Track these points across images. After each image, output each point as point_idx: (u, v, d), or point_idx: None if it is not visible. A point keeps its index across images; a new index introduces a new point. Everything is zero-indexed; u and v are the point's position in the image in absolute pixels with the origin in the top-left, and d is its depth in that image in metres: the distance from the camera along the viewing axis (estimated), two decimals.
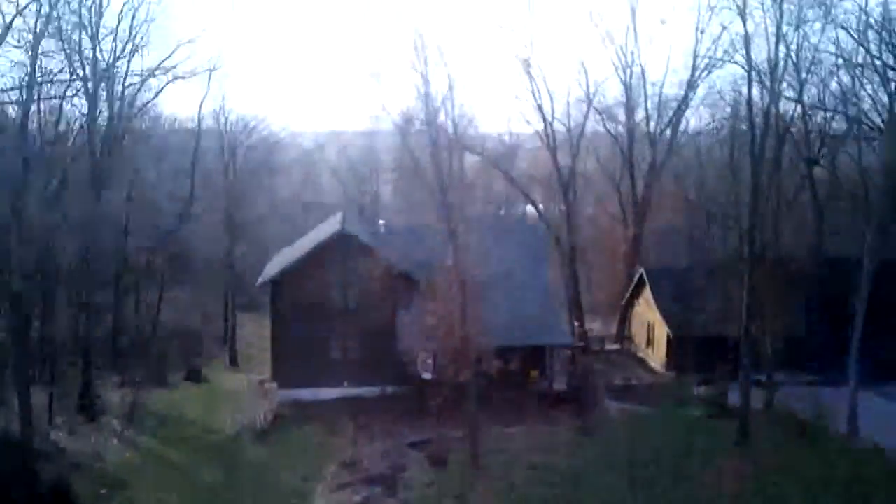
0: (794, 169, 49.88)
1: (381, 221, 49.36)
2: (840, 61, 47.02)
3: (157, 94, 51.33)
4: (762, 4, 45.07)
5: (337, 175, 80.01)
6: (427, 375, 40.11)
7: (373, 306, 40.69)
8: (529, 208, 62.44)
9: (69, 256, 42.68)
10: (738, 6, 44.69)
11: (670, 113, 54.79)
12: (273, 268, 45.06)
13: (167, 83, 50.20)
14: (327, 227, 45.83)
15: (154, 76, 49.06)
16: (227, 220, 57.23)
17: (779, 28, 45.81)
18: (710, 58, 50.97)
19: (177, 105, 66.62)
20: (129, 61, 48.49)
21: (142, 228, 54.14)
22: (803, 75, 46.66)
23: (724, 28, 50.37)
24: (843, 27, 45.05)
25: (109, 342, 49.45)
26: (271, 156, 72.41)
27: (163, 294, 55.90)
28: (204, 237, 61.99)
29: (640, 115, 56.43)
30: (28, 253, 34.44)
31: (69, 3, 42.53)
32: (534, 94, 55.06)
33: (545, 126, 55.99)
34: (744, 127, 50.38)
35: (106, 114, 47.41)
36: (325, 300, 41.36)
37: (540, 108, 55.33)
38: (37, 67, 36.83)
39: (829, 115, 49.86)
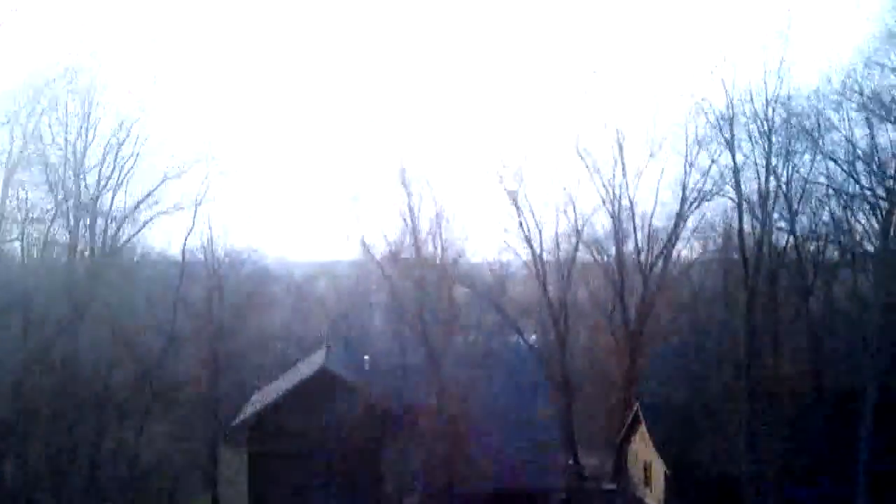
0: (789, 301, 48.91)
1: (365, 357, 47.93)
2: (831, 192, 46.86)
3: (140, 229, 50.42)
4: (750, 137, 45.78)
5: (325, 307, 78.91)
6: None
7: (356, 447, 38.88)
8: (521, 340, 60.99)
9: (46, 394, 41.24)
10: (726, 139, 45.50)
11: (661, 244, 54.11)
12: (250, 408, 43.45)
13: (151, 217, 49.53)
14: (309, 364, 44.49)
15: (138, 210, 48.48)
16: (211, 354, 55.74)
17: (768, 160, 46.19)
18: (699, 190, 50.90)
19: (165, 237, 64.83)
20: (113, 195, 48.37)
21: (123, 363, 52.60)
22: (794, 206, 46.21)
23: (714, 161, 50.99)
24: (831, 158, 45.23)
25: (86, 482, 47.15)
26: (261, 288, 71.51)
27: (144, 429, 53.71)
28: (188, 371, 60.33)
29: (630, 246, 55.87)
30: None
31: (53, 137, 42.50)
32: (522, 226, 55.03)
33: (534, 258, 55.46)
34: (735, 257, 50.27)
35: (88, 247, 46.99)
36: (305, 441, 39.54)
37: (528, 240, 55.20)
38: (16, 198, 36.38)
39: (821, 244, 49.15)
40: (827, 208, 48.05)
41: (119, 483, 48.70)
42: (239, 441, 45.41)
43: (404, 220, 52.96)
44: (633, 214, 54.42)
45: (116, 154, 46.60)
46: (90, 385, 45.57)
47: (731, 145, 44.25)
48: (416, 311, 52.37)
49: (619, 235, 54.19)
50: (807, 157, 47.40)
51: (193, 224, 54.79)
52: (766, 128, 46.68)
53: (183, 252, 56.51)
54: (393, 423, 39.22)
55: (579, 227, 55.24)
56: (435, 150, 56.42)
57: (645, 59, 76.37)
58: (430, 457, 35.55)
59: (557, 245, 56.16)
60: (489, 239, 59.19)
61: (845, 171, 45.27)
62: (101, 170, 46.48)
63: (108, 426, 52.49)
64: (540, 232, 55.46)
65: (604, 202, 54.32)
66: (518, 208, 54.69)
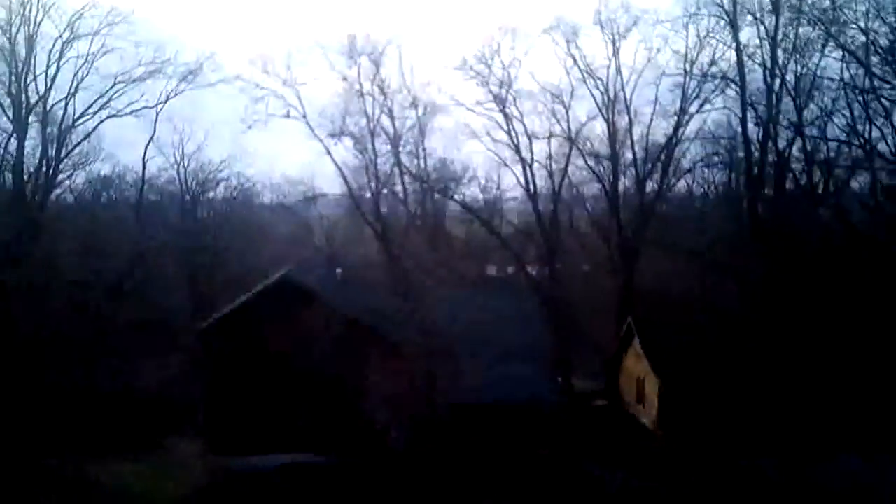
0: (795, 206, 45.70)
1: (338, 270, 44.89)
2: (843, 89, 43.26)
3: (90, 133, 47.69)
4: (757, 28, 42.71)
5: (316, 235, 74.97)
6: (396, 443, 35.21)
7: (327, 363, 35.91)
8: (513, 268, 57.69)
9: None
10: (729, 18, 42.13)
11: (659, 149, 50.29)
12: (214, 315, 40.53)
13: (102, 121, 47.12)
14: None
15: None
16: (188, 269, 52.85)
17: (773, 51, 42.97)
18: (702, 78, 47.32)
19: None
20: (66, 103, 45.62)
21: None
22: (801, 100, 42.67)
23: (714, 62, 47.56)
24: (846, 49, 41.53)
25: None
26: (242, 210, 68.28)
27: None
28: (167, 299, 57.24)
29: (628, 155, 52.08)
30: None
31: None
32: (511, 134, 51.23)
33: (524, 169, 51.82)
34: (740, 154, 47.03)
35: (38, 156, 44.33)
36: (268, 354, 36.55)
37: (518, 148, 51.36)
38: None
39: (830, 145, 45.56)
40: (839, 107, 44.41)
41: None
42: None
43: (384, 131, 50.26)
44: (630, 121, 50.55)
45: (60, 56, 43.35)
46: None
47: (734, 28, 40.58)
48: (400, 229, 49.80)
49: (614, 141, 50.28)
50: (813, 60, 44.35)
51: (154, 131, 51.99)
52: (773, 19, 43.75)
53: (143, 161, 53.41)
54: (372, 340, 36.25)
55: (573, 136, 51.21)
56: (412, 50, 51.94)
57: None
58: (410, 372, 32.96)
59: (550, 155, 52.23)
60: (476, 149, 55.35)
61: (862, 65, 41.76)
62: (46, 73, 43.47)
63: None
64: (530, 140, 51.63)
65: (599, 108, 50.40)
66: (506, 115, 50.88)
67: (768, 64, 45.05)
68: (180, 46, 50.59)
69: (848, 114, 43.80)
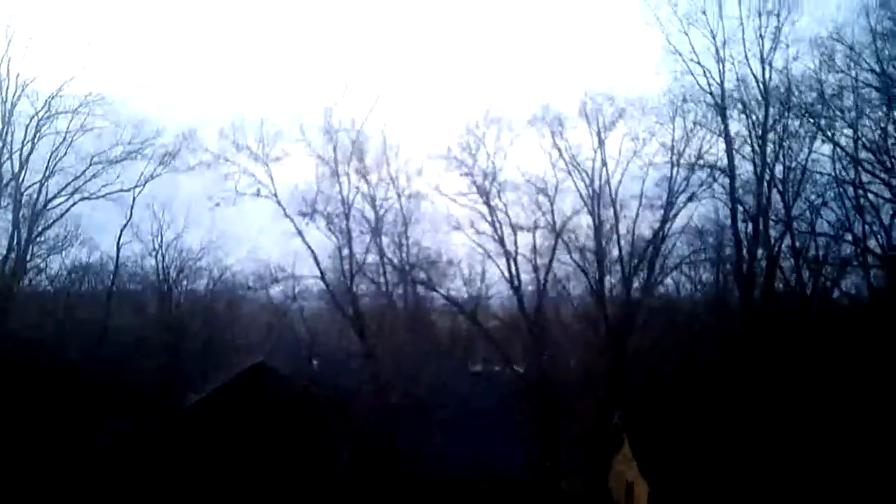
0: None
1: (314, 361, 43.50)
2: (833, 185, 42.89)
3: (63, 214, 46.70)
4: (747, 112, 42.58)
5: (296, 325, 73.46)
6: None
7: (292, 443, 34.51)
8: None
9: None
10: (719, 107, 41.93)
11: (645, 244, 49.09)
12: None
13: (74, 203, 46.55)
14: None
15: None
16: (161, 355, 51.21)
17: (763, 139, 42.66)
18: (689, 170, 46.90)
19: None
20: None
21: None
22: (790, 195, 42.18)
23: (701, 156, 47.18)
24: (835, 143, 41.30)
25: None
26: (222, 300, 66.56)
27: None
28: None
29: (615, 252, 50.86)
30: None
31: None
32: (495, 226, 50.12)
33: (509, 263, 50.52)
34: (727, 253, 46.14)
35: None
36: (242, 432, 35.05)
37: (502, 241, 50.19)
38: None
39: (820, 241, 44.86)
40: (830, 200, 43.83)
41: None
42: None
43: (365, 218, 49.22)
44: (616, 215, 49.46)
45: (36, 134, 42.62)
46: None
47: (723, 118, 40.37)
48: (380, 319, 48.47)
49: (599, 235, 49.03)
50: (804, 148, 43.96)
51: (130, 216, 50.97)
52: (762, 111, 43.53)
53: (118, 245, 52.29)
54: (333, 413, 34.81)
55: (558, 229, 50.04)
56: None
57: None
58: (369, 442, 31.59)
59: (535, 248, 50.92)
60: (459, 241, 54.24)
61: (852, 159, 41.38)
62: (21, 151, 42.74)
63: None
64: (515, 233, 50.29)
65: (584, 201, 49.35)
66: (490, 206, 49.87)
67: (758, 157, 44.71)
68: (161, 123, 48.90)
69: (840, 209, 43.51)
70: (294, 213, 48.09)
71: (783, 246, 45.53)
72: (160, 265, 58.49)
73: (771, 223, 45.37)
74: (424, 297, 56.85)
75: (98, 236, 53.16)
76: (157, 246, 57.74)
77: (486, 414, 40.42)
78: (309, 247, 48.44)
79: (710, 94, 46.27)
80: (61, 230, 49.38)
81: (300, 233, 48.11)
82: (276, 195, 48.17)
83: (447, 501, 33.83)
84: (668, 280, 53.85)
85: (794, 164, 44.72)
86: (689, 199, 47.84)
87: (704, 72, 46.29)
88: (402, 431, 36.39)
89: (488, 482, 36.01)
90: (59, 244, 50.28)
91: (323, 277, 49.38)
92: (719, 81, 46.05)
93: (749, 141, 46.06)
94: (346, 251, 48.79)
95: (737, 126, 46.54)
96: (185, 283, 60.88)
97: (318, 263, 48.79)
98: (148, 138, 48.96)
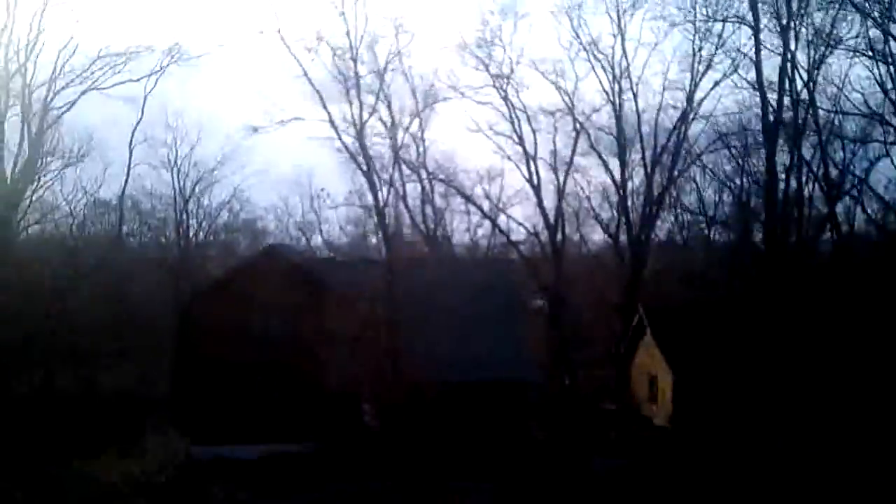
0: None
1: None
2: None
3: (72, 104, 45.08)
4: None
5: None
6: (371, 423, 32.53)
7: (307, 342, 33.25)
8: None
9: None
10: None
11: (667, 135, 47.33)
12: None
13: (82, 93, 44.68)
14: None
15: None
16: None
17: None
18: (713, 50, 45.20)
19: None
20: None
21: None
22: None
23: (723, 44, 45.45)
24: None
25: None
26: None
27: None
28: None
29: (637, 151, 49.09)
30: None
31: None
32: (514, 125, 48.32)
33: (528, 164, 48.82)
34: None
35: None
36: (247, 332, 34.00)
37: (521, 139, 48.46)
38: None
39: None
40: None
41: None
42: None
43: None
44: (638, 110, 47.76)
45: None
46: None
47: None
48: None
49: (621, 126, 47.34)
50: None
51: (142, 115, 49.60)
52: None
53: (130, 148, 50.92)
54: (350, 316, 33.54)
55: (577, 128, 48.28)
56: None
57: None
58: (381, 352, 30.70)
59: (554, 146, 49.20)
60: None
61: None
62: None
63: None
64: (534, 133, 48.54)
65: (605, 91, 47.52)
66: (509, 103, 48.00)
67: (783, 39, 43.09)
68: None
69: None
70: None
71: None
72: (175, 180, 57.18)
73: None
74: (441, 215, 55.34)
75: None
76: (171, 161, 56.85)
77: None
78: (312, 85, 41.62)
79: None
80: (73, 143, 48.53)
81: (305, 73, 41.65)
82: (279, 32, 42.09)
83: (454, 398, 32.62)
84: (692, 181, 52.86)
85: (818, 55, 43.55)
86: (713, 86, 46.48)
87: None
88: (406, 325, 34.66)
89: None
90: (72, 157, 49.22)
91: (331, 118, 42.67)
92: None
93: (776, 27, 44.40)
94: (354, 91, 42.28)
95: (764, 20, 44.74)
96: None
97: (323, 103, 41.92)
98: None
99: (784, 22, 43.53)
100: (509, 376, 34.50)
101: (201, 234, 61.32)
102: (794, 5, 43.20)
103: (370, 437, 32.25)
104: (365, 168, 41.48)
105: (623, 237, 49.30)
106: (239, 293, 34.32)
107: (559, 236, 49.37)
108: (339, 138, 41.76)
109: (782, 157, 45.26)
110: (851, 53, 43.23)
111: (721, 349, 37.87)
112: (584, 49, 47.11)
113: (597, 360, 49.18)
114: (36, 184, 47.64)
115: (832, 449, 29.17)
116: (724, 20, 44.76)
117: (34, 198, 48.33)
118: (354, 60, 41.44)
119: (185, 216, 58.54)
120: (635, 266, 47.66)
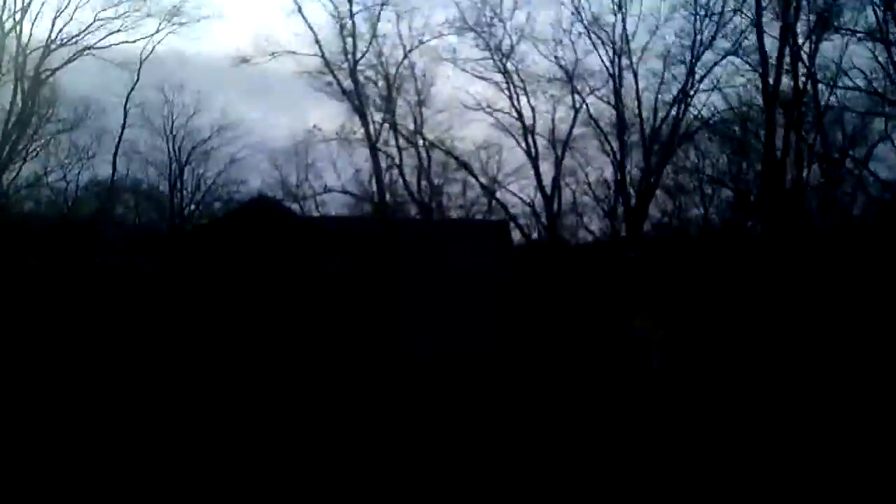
0: None
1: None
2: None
3: (64, 63, 44.96)
4: None
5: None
6: None
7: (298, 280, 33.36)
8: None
9: None
10: None
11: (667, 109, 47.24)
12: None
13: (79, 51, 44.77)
14: None
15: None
16: None
17: None
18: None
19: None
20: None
21: None
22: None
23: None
24: None
25: None
26: None
27: None
28: None
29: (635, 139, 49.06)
30: None
31: None
32: (512, 99, 48.45)
33: (525, 134, 48.83)
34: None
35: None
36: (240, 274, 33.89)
37: (520, 114, 48.48)
38: None
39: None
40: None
41: None
42: None
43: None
44: (638, 89, 47.65)
45: None
46: None
47: None
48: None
49: (620, 105, 47.32)
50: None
51: (138, 78, 49.76)
52: None
53: (125, 111, 50.80)
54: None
55: (576, 105, 48.23)
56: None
57: None
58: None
59: (553, 122, 49.15)
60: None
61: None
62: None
63: None
64: (533, 109, 48.63)
65: (605, 66, 47.49)
66: (507, 74, 47.93)
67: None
68: None
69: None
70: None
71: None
72: (170, 147, 57.01)
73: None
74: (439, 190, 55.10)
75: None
76: (167, 131, 56.96)
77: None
78: (308, 24, 44.74)
79: None
80: (70, 111, 49.13)
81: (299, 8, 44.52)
82: None
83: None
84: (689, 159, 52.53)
85: (819, 36, 43.16)
86: (717, 62, 46.14)
87: None
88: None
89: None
90: (68, 124, 49.85)
91: (325, 59, 44.46)
92: None
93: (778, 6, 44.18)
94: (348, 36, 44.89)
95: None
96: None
97: (318, 42, 44.23)
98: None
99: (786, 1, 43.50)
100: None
101: (193, 206, 61.35)
102: None
103: None
104: (357, 103, 42.28)
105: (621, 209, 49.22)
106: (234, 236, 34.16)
107: (555, 206, 49.47)
108: (332, 73, 43.08)
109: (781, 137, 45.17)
110: (852, 34, 43.09)
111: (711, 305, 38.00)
112: (585, 26, 47.24)
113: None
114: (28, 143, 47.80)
115: None
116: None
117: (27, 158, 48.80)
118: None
119: (179, 184, 58.33)
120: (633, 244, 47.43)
